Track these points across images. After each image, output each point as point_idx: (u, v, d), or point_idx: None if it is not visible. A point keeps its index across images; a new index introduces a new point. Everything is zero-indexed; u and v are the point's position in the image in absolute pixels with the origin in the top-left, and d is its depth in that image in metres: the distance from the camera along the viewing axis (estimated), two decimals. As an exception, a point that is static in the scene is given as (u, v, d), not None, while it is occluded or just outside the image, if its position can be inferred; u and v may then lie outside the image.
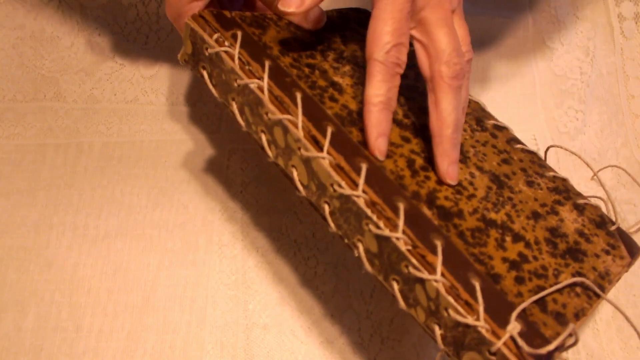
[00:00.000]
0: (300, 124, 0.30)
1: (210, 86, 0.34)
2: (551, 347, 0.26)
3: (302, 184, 0.31)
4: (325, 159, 0.29)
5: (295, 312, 0.42)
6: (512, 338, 0.25)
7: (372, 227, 0.28)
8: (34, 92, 0.49)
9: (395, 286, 0.29)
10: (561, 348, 0.27)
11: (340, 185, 0.29)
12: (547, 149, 0.40)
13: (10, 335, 0.40)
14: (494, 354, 0.25)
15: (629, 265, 0.33)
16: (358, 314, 0.43)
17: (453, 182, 0.33)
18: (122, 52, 0.50)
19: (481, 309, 0.26)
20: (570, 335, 0.27)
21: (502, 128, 0.39)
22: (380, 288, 0.44)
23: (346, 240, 0.30)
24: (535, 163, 0.37)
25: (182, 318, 0.41)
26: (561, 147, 0.38)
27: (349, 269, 0.44)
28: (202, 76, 0.34)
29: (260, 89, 0.31)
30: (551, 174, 0.37)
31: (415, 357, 0.41)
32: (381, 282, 0.30)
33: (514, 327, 0.25)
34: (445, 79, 0.32)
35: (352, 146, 0.31)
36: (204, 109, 0.50)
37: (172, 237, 0.44)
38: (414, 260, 0.27)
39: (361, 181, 0.29)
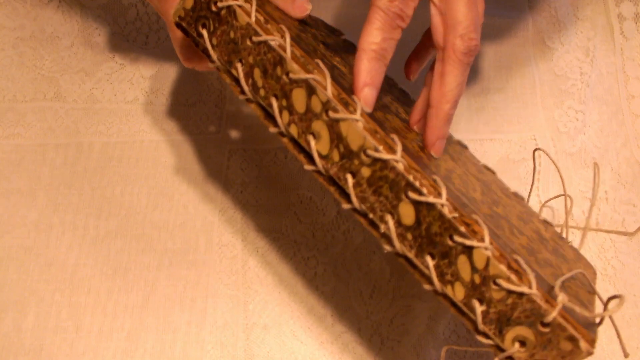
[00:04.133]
0: (329, 85, 0.28)
1: (209, 46, 0.31)
2: (605, 313, 0.25)
3: (319, 154, 0.28)
4: (359, 121, 0.27)
5: (295, 312, 0.42)
6: (564, 308, 0.25)
7: (413, 194, 0.26)
8: (34, 92, 0.49)
9: (431, 262, 0.27)
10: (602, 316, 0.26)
11: (377, 149, 0.27)
12: (534, 151, 0.40)
13: (10, 335, 0.40)
14: (547, 324, 0.25)
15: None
16: (358, 314, 0.43)
17: (437, 156, 0.32)
18: (122, 52, 0.50)
19: (532, 278, 0.25)
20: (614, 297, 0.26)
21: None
22: (380, 288, 0.44)
23: (371, 215, 0.28)
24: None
25: (182, 318, 0.41)
26: (545, 152, 0.39)
27: (349, 269, 0.44)
28: (201, 36, 0.31)
29: (282, 47, 0.29)
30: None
31: (415, 357, 0.41)
32: (408, 261, 0.28)
33: (563, 297, 0.25)
34: (457, 53, 0.31)
35: (378, 118, 0.30)
36: (204, 109, 0.50)
37: (172, 237, 0.44)
38: (462, 228, 0.26)
39: (399, 147, 0.27)
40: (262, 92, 0.30)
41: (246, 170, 0.47)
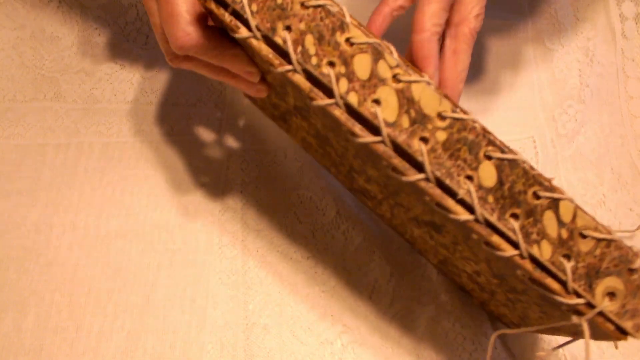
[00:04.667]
0: (394, 51, 0.28)
1: (249, 14, 0.28)
2: None
3: (386, 122, 0.27)
4: (431, 84, 0.27)
5: (295, 313, 0.42)
6: None
7: (495, 153, 0.26)
8: (34, 92, 0.49)
9: (515, 224, 0.26)
10: None
11: (454, 110, 0.27)
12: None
13: (10, 335, 0.40)
14: (635, 270, 0.25)
15: None
16: (358, 314, 0.43)
17: None
18: (122, 52, 0.50)
19: (612, 228, 0.25)
20: None
21: None
22: (380, 288, 0.44)
23: (447, 182, 0.27)
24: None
25: (182, 318, 0.41)
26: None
27: (349, 269, 0.44)
28: (235, 2, 0.29)
29: (341, 13, 0.28)
30: None
31: (415, 357, 0.41)
32: (490, 227, 0.27)
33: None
34: (473, 31, 0.31)
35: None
36: (204, 109, 0.50)
37: (172, 237, 0.44)
38: (546, 183, 0.26)
39: (471, 112, 0.27)
40: (314, 60, 0.28)
41: (246, 170, 0.47)
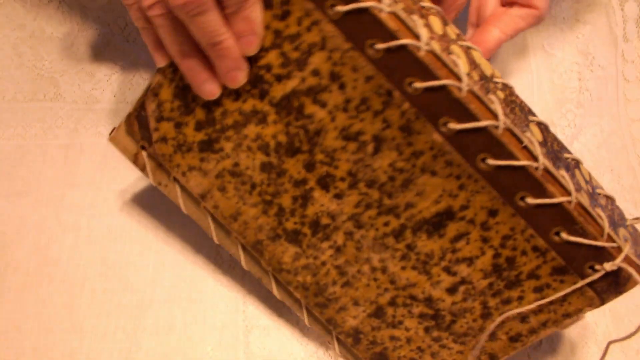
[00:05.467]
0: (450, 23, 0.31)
1: None
2: None
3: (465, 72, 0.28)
4: (477, 50, 0.31)
5: (295, 314, 0.42)
6: None
7: (535, 117, 0.31)
8: (34, 92, 0.49)
9: (566, 175, 0.29)
10: None
11: (500, 77, 0.31)
12: None
13: (10, 336, 0.40)
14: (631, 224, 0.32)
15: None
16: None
17: None
18: (122, 53, 0.50)
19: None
20: None
21: None
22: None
23: (515, 131, 0.29)
24: None
25: (181, 319, 0.42)
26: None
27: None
28: None
29: None
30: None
31: (414, 358, 0.42)
32: (545, 173, 0.29)
33: None
34: (460, 7, 0.35)
35: None
36: (203, 110, 0.50)
37: (172, 238, 0.44)
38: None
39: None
40: (400, 5, 0.28)
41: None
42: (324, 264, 0.35)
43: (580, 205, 0.29)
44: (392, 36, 0.27)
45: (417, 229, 0.33)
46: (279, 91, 0.30)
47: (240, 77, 0.29)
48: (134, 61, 0.50)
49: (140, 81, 0.50)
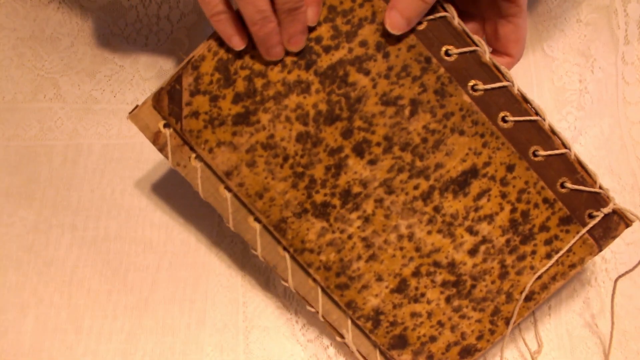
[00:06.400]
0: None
1: None
2: None
3: None
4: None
5: (295, 314, 0.42)
6: None
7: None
8: (34, 92, 0.49)
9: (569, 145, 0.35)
10: None
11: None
12: None
13: (10, 337, 0.40)
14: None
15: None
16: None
17: None
18: (122, 53, 0.50)
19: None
20: None
21: None
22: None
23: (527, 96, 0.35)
24: None
25: (181, 320, 0.42)
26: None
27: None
28: None
29: None
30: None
31: None
32: (551, 133, 0.35)
33: None
34: (525, 6, 0.35)
35: None
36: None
37: (172, 238, 0.44)
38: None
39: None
40: None
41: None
42: (350, 237, 0.36)
43: (577, 158, 0.35)
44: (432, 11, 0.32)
45: (444, 189, 0.35)
46: (325, 61, 0.33)
47: (303, 41, 0.32)
48: (134, 61, 0.50)
49: (140, 81, 0.50)
